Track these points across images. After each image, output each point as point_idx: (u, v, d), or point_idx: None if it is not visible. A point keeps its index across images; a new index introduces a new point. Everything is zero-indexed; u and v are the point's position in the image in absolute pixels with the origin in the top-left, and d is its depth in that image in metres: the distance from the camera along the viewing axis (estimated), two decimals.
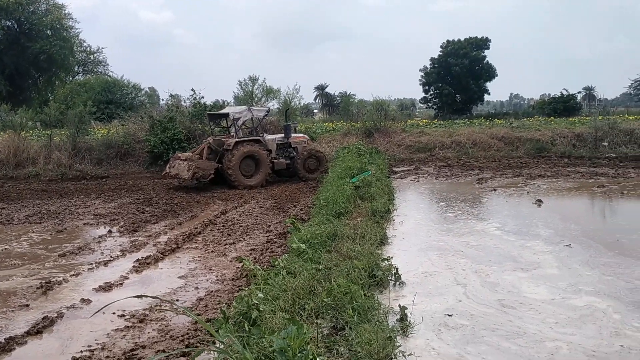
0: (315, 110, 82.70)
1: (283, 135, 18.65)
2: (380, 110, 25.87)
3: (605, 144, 21.88)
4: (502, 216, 10.82)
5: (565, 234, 9.05)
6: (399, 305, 5.49)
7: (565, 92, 47.58)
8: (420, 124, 29.99)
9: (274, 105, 40.05)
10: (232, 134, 17.78)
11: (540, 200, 12.33)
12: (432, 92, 55.71)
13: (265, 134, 18.98)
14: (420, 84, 56.51)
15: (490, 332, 5.13)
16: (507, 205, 12.14)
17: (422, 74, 56.16)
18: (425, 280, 6.78)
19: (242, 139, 17.14)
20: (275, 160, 17.79)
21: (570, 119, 28.55)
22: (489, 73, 54.20)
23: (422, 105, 63.76)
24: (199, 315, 5.93)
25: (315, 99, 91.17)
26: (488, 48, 54.31)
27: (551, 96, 50.86)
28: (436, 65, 54.70)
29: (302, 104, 49.25)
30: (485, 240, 8.81)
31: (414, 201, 13.06)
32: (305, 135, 20.13)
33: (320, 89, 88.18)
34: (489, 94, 57.21)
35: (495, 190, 14.35)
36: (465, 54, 52.37)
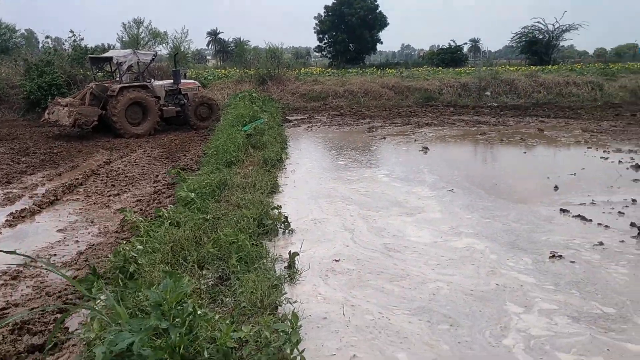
0: (209, 57, 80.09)
1: (172, 81, 17.81)
2: (274, 58, 25.44)
3: (488, 93, 22.97)
4: (391, 163, 11.07)
5: (449, 180, 9.42)
6: (289, 252, 5.45)
7: (452, 44, 49.17)
8: (314, 72, 29.88)
9: (161, 50, 38.13)
10: (116, 79, 16.76)
11: (426, 148, 12.75)
12: (326, 41, 55.51)
13: (153, 80, 18.08)
14: (314, 32, 56.14)
15: (375, 275, 5.23)
16: (395, 152, 12.43)
17: (317, 22, 55.73)
18: (314, 227, 6.79)
19: (127, 85, 16.25)
20: (164, 108, 17.08)
21: (457, 70, 29.64)
22: (381, 22, 54.80)
23: (316, 54, 63.54)
24: (78, 270, 5.58)
25: (208, 45, 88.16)
26: None
27: (439, 47, 52.46)
28: (330, 13, 54.37)
29: (193, 50, 47.31)
30: (373, 186, 8.97)
31: (306, 150, 13.05)
32: (196, 82, 19.32)
33: (213, 34, 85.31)
34: (382, 43, 58.03)
35: (384, 138, 14.65)
36: (358, 3, 52.47)
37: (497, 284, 4.98)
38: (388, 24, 55.33)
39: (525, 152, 12.40)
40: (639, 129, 16.12)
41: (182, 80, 18.15)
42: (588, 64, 37.35)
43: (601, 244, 6.03)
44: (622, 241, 6.13)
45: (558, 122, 18.10)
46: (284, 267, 5.32)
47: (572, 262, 5.52)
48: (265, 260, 5.20)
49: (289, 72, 25.88)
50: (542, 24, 43.26)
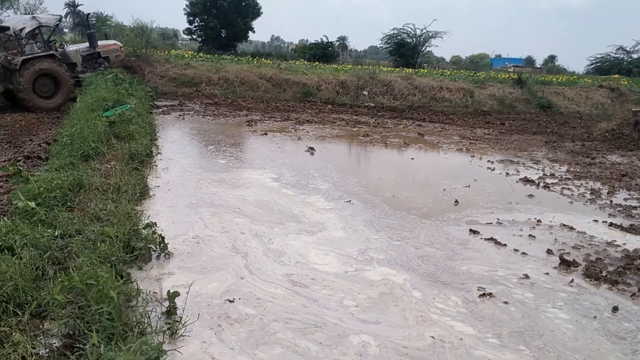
0: (66, 30, 73.40)
1: (88, 44, 16.28)
2: (141, 36, 23.14)
3: (365, 93, 22.63)
4: (277, 165, 9.95)
5: (344, 189, 8.50)
6: (168, 292, 4.13)
7: (325, 39, 49.04)
8: (186, 55, 27.84)
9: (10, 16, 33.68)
10: (18, 50, 15.04)
11: (312, 149, 11.79)
12: (197, 24, 53.00)
13: (66, 45, 16.76)
14: (185, 14, 53.32)
15: (283, 324, 4.09)
16: (280, 152, 11.33)
17: (188, 3, 52.95)
18: (197, 248, 5.48)
19: (31, 56, 14.71)
20: (81, 75, 15.85)
21: (334, 66, 29.18)
22: (255, 11, 53.45)
23: (185, 36, 60.50)
24: None
25: (65, 17, 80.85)
26: None
27: (310, 42, 52.13)
28: None
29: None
30: (263, 193, 7.80)
31: (179, 143, 11.51)
32: (118, 43, 17.66)
33: (72, 6, 78.43)
34: (254, 32, 56.64)
35: (266, 134, 13.50)
36: None
37: (432, 337, 4.06)
38: (261, 13, 54.14)
39: (413, 159, 11.89)
40: (511, 137, 16.44)
41: (101, 42, 16.69)
42: (445, 69, 38.79)
43: (527, 277, 5.38)
44: (547, 273, 5.53)
45: (434, 126, 18.07)
46: (161, 314, 4.00)
47: (506, 302, 4.77)
48: (136, 305, 3.85)
49: (157, 53, 23.74)
50: (411, 28, 44.37)
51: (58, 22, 16.27)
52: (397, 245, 6.00)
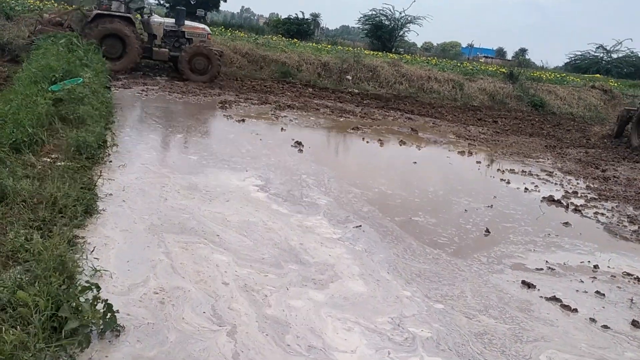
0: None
1: (174, 21, 16.09)
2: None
3: (349, 77, 20.84)
4: (262, 166, 8.15)
5: (348, 204, 6.79)
6: None
7: (300, 15, 46.79)
8: None
9: None
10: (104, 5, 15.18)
11: (299, 143, 10.02)
12: None
13: (153, 15, 16.70)
14: None
15: None
16: (263, 147, 9.50)
17: None
18: (161, 314, 3.67)
19: (105, 12, 14.89)
20: (155, 48, 15.77)
21: (313, 45, 27.19)
22: None
23: (152, 1, 57.21)
24: None
25: None
26: None
27: (283, 17, 49.67)
28: None
29: None
30: (248, 211, 6.00)
31: (141, 129, 9.54)
32: (207, 29, 17.00)
33: None
34: (225, 1, 53.99)
35: (243, 121, 11.62)
36: None
37: None
38: None
39: (415, 163, 10.24)
40: (508, 139, 15.02)
41: (188, 23, 16.54)
42: (415, 55, 37.24)
43: None
44: None
45: (425, 121, 16.49)
46: None
47: None
48: None
49: None
50: (390, 10, 42.52)
51: None
52: (441, 311, 4.32)
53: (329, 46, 27.30)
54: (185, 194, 6.27)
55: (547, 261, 5.84)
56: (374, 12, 43.93)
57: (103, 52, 14.32)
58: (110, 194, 5.78)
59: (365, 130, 13.03)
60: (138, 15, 16.73)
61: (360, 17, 44.91)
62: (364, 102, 18.50)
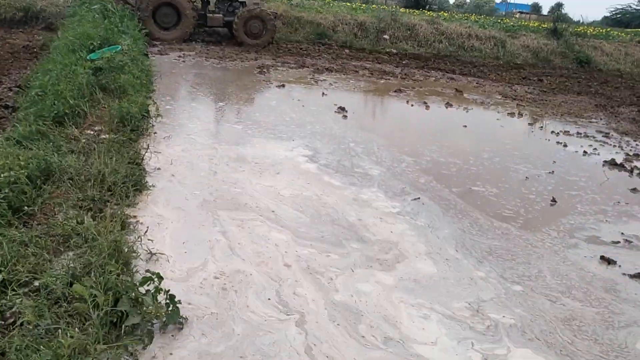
0: None
1: None
2: None
3: (387, 37, 20.17)
4: (307, 134, 7.82)
5: (401, 174, 6.45)
6: None
7: None
8: None
9: None
10: None
11: (343, 109, 9.64)
12: None
13: None
14: None
15: None
16: (306, 113, 9.16)
17: None
18: (224, 303, 3.40)
19: None
20: (209, 15, 15.62)
21: (347, 4, 26.40)
22: None
23: None
24: None
25: None
26: None
27: None
28: None
29: None
30: (301, 184, 5.72)
31: (182, 97, 9.29)
32: None
33: None
34: None
35: (283, 86, 11.27)
36: None
37: None
38: None
39: (466, 127, 9.77)
40: (556, 98, 14.33)
41: None
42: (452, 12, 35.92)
43: None
44: None
45: (468, 81, 15.86)
46: None
47: None
48: None
49: None
50: None
51: None
52: (521, 294, 3.98)
53: (364, 5, 26.46)
54: (235, 166, 6.01)
55: (622, 233, 5.44)
56: None
57: (157, 22, 14.69)
58: (159, 168, 5.56)
59: (408, 92, 12.55)
60: None
61: None
62: (403, 62, 17.89)
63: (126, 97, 7.08)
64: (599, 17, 51.42)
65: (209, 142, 6.78)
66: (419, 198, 5.71)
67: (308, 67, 14.26)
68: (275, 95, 10.38)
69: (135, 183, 4.83)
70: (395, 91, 12.45)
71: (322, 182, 5.87)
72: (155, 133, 6.71)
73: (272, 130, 7.75)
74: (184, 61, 12.82)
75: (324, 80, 12.78)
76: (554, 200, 6.20)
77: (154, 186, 5.06)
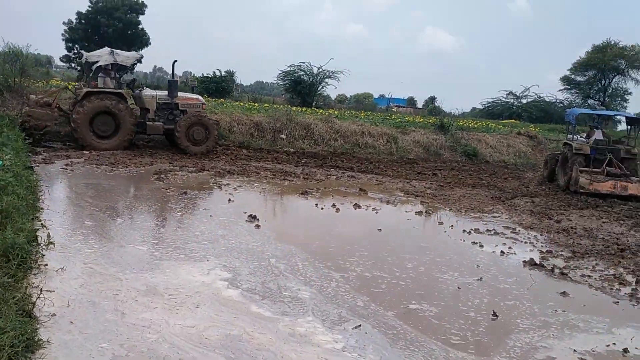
0: None
1: (167, 93, 15.86)
2: (14, 63, 18.90)
3: (284, 136, 20.16)
4: (222, 250, 7.11)
5: (335, 296, 5.88)
6: None
7: (218, 73, 46.07)
8: (69, 86, 23.79)
9: None
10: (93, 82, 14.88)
11: (254, 217, 9.06)
12: (76, 52, 47.93)
13: (144, 88, 16.58)
14: (63, 40, 48.13)
15: None
16: (217, 225, 8.46)
17: (67, 28, 47.85)
18: None
19: (97, 90, 14.50)
20: (149, 123, 15.30)
21: (240, 103, 26.38)
22: (142, 40, 49.55)
23: (62, 64, 54.76)
24: None
25: None
26: (143, 13, 49.60)
27: (197, 75, 48.76)
28: (84, 21, 47.16)
29: None
30: (225, 319, 4.94)
31: (75, 217, 8.25)
32: (201, 99, 17.00)
33: None
34: (141, 63, 52.52)
35: (186, 193, 10.54)
36: (118, 15, 46.43)
37: None
38: (150, 43, 50.51)
39: (380, 230, 9.50)
40: (454, 192, 14.68)
41: (182, 94, 16.42)
42: (332, 108, 37.26)
43: None
44: None
45: (368, 178, 16.00)
46: None
47: None
48: None
49: (34, 83, 19.74)
50: (308, 66, 42.52)
51: (136, 62, 16.37)
52: None
53: (256, 104, 26.62)
54: (145, 302, 5.15)
55: (574, 350, 5.16)
56: (292, 69, 43.77)
57: (94, 130, 14.32)
58: (54, 315, 4.59)
59: (314, 194, 12.25)
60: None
61: (279, 74, 44.58)
62: (302, 161, 17.82)
63: (11, 223, 6.04)
64: (468, 109, 55.66)
65: (112, 271, 5.87)
66: (359, 326, 5.15)
67: (208, 170, 13.67)
68: (178, 205, 9.62)
69: (25, 342, 3.86)
70: (301, 193, 12.10)
71: (251, 314, 5.15)
72: (46, 265, 5.71)
73: (182, 250, 6.96)
74: (72, 170, 11.74)
75: (227, 184, 12.20)
76: (495, 314, 5.88)
77: (49, 342, 4.10)
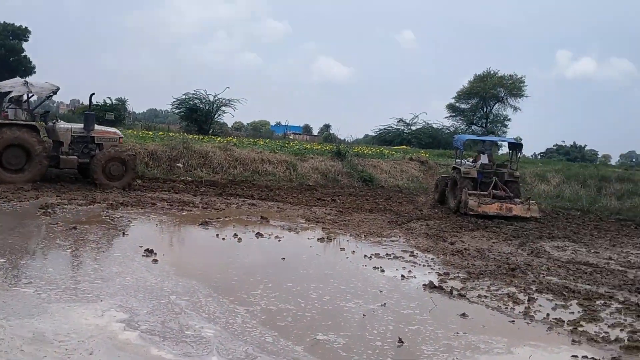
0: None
1: (83, 125, 15.23)
2: None
3: (180, 165, 19.65)
4: (117, 289, 6.70)
5: (241, 333, 5.68)
6: None
7: (109, 101, 44.44)
8: None
9: None
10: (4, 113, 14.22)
11: (151, 252, 8.66)
12: None
13: (58, 121, 15.79)
14: None
15: None
16: (111, 262, 7.99)
17: None
18: None
19: (6, 121, 13.95)
20: (62, 156, 14.70)
21: (133, 132, 25.51)
22: (26, 68, 47.12)
23: None
24: None
25: None
26: (27, 40, 47.23)
27: (86, 104, 46.94)
28: None
29: None
30: None
31: None
32: (119, 133, 16.49)
33: None
34: (56, 94, 49.71)
35: (75, 228, 9.90)
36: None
37: None
38: (35, 71, 48.08)
39: (284, 259, 9.42)
40: (353, 217, 14.96)
41: (98, 127, 15.74)
42: (229, 136, 37.15)
43: None
44: None
45: (269, 205, 15.96)
46: None
47: None
48: None
49: None
50: (203, 94, 42.06)
51: (51, 94, 15.77)
52: None
53: (150, 133, 25.86)
54: (32, 351, 4.71)
55: None
56: (187, 96, 43.06)
57: (3, 164, 13.77)
58: None
59: (214, 224, 11.98)
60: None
61: (174, 101, 43.70)
62: (201, 190, 17.44)
63: None
64: (361, 136, 57.42)
65: None
66: None
67: (100, 203, 12.97)
68: (68, 241, 9.00)
69: None
70: (201, 224, 11.78)
71: (151, 358, 4.85)
72: None
73: (72, 290, 6.49)
74: None
75: (121, 217, 11.64)
76: (400, 341, 5.93)
77: None
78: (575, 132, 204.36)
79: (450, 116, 60.59)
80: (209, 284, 7.33)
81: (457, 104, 60.70)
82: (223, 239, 10.54)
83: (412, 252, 10.93)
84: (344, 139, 38.96)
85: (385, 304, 7.26)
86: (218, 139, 27.13)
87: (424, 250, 11.26)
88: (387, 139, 52.11)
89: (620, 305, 8.02)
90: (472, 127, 58.14)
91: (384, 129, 54.61)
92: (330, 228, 12.96)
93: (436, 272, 9.39)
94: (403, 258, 10.29)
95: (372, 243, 11.60)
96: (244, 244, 10.35)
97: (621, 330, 6.90)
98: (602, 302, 8.19)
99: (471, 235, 13.86)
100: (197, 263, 9.02)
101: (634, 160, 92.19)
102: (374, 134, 56.85)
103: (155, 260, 8.30)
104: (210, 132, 39.48)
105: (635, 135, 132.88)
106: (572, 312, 7.57)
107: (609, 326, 7.02)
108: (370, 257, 10.09)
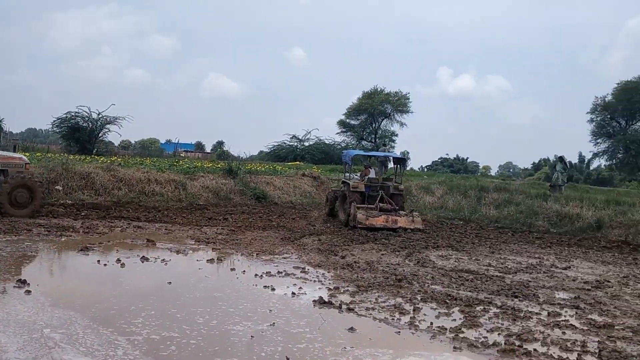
0: None
1: None
2: None
3: (60, 187, 18.52)
4: None
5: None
6: None
7: None
8: None
9: None
10: None
11: (24, 282, 8.05)
12: None
13: None
14: None
15: None
16: None
17: None
18: None
19: None
20: None
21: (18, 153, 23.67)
22: None
23: None
24: None
25: None
26: None
27: None
28: None
29: None
30: None
31: None
32: (25, 158, 15.82)
33: None
34: None
35: None
36: None
37: None
38: None
39: (170, 283, 9.10)
40: (245, 235, 14.83)
41: (2, 153, 15.30)
42: (116, 155, 35.82)
43: None
44: None
45: (157, 227, 15.49)
46: None
47: None
48: None
49: None
50: (86, 112, 39.99)
51: None
52: None
53: (27, 154, 24.18)
54: None
55: None
56: (69, 115, 40.71)
57: None
58: None
59: (96, 249, 11.42)
60: None
61: (54, 120, 41.15)
62: (82, 213, 16.59)
63: None
64: (255, 152, 57.30)
65: None
66: None
67: None
68: None
69: None
70: (81, 249, 11.17)
71: None
72: None
73: None
74: None
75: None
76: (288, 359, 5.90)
77: None
78: (458, 145, 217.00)
79: (342, 132, 61.99)
80: (88, 315, 6.92)
81: (348, 120, 62.24)
82: (105, 265, 10.03)
83: (303, 268, 10.95)
84: (238, 156, 38.79)
85: (274, 323, 7.19)
86: (102, 158, 25.84)
87: (316, 266, 11.32)
88: (281, 155, 52.22)
89: (498, 310, 8.47)
90: (362, 143, 59.82)
91: (278, 145, 54.68)
92: (221, 248, 12.72)
93: (326, 287, 9.47)
94: (294, 275, 10.28)
95: (263, 261, 11.50)
96: (128, 269, 9.90)
97: (498, 334, 7.28)
98: (482, 307, 8.61)
99: (361, 248, 14.13)
100: (75, 292, 8.48)
101: (511, 170, 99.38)
102: (268, 150, 56.74)
103: (28, 292, 7.73)
104: (94, 151, 37.62)
105: (511, 147, 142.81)
106: (454, 320, 7.89)
107: (487, 331, 7.38)
108: (262, 275, 9.99)
